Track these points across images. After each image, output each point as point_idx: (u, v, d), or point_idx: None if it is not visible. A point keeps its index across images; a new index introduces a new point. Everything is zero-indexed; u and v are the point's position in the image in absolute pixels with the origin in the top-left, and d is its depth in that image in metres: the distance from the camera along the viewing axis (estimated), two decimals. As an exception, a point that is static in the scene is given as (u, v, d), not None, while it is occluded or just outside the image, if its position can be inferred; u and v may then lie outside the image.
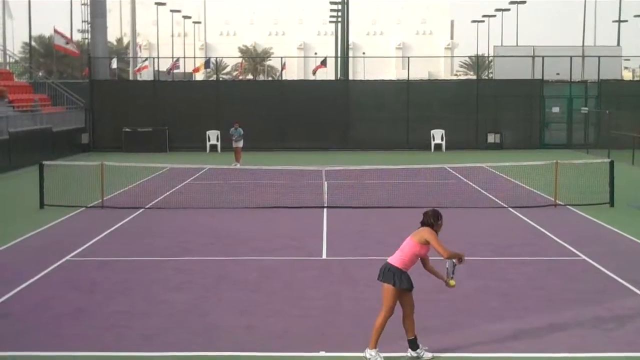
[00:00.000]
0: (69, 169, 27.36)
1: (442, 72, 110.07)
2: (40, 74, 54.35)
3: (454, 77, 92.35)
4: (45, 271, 14.07)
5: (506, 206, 21.46)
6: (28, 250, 16.08)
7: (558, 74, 43.21)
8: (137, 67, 58.84)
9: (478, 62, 57.69)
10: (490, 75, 57.59)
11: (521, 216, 19.98)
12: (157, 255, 15.52)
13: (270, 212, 20.96)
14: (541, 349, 9.89)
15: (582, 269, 14.36)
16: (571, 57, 42.96)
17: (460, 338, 10.29)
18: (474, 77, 57.63)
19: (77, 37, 63.08)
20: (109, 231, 18.01)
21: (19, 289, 12.84)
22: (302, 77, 76.83)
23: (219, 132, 41.06)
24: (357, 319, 11.08)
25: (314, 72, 52.52)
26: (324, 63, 50.52)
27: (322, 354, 9.74)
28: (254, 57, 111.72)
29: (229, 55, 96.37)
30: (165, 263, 14.88)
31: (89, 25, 47.60)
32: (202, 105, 41.81)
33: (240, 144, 33.09)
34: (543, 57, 42.88)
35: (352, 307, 11.74)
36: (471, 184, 26.21)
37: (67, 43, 49.34)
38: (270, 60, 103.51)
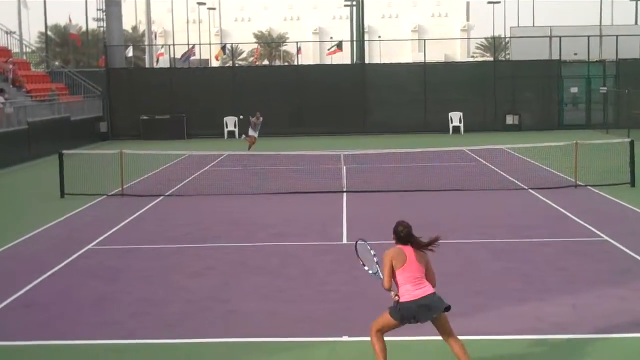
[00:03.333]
0: (88, 157, 27.48)
1: (459, 54, 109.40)
2: (56, 63, 54.52)
3: (471, 59, 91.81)
4: (68, 260, 14.14)
5: (526, 187, 21.36)
6: (50, 240, 16.18)
7: (576, 54, 42.92)
8: (159, 52, 58.86)
9: (495, 44, 57.29)
10: (507, 57, 57.20)
11: (541, 197, 19.88)
12: (178, 243, 15.55)
13: (290, 197, 20.96)
14: (564, 331, 9.84)
15: (604, 250, 14.28)
16: (589, 36, 42.63)
17: (482, 321, 10.26)
18: (491, 59, 57.25)
19: (92, 25, 63.22)
20: (129, 219, 18.07)
21: (41, 278, 12.92)
22: (318, 62, 76.67)
23: (236, 118, 41.09)
24: (380, 304, 11.01)
25: (329, 54, 52.23)
26: (339, 47, 50.30)
27: (345, 338, 9.74)
28: (270, 43, 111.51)
29: (244, 41, 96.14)
30: (186, 250, 14.93)
31: (104, 13, 47.71)
32: (219, 92, 41.84)
33: (256, 133, 32.77)
34: (560, 37, 42.59)
35: (374, 292, 11.65)
36: (490, 165, 26.11)
37: (79, 31, 49.44)
38: (285, 45, 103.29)
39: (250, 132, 32.74)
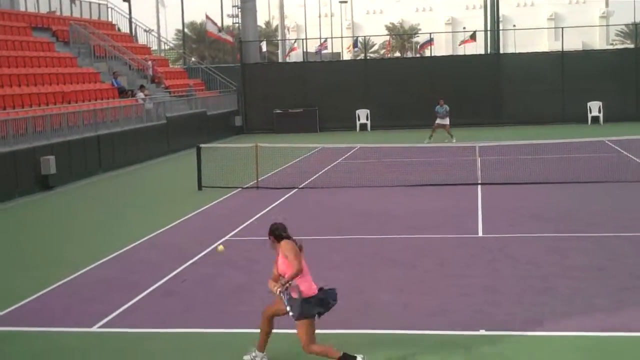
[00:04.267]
0: (224, 151, 28.07)
1: (598, 42, 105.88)
2: (193, 59, 55.99)
3: (610, 47, 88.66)
4: (207, 250, 14.47)
5: (671, 179, 20.44)
6: (190, 230, 16.62)
7: None
8: (287, 52, 59.63)
9: (636, 30, 54.98)
10: (650, 43, 54.85)
11: (688, 189, 18.98)
12: (312, 235, 15.64)
13: (424, 189, 20.78)
14: None
15: None
16: None
17: (627, 317, 9.85)
18: (632, 46, 55.09)
19: (227, 22, 64.53)
20: (264, 211, 18.32)
21: (183, 267, 13.28)
22: (450, 53, 75.82)
23: (368, 111, 41.13)
24: (518, 297, 10.82)
25: (461, 44, 51.45)
26: (473, 37, 49.49)
27: (483, 332, 9.54)
28: (401, 35, 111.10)
29: (376, 33, 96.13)
30: (320, 242, 15.01)
31: (239, 10, 48.63)
32: (350, 85, 41.92)
33: (447, 121, 32.92)
34: None
35: (512, 285, 11.45)
36: (632, 157, 25.11)
37: (220, 31, 50.56)
38: (417, 36, 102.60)
39: (438, 121, 32.89)
